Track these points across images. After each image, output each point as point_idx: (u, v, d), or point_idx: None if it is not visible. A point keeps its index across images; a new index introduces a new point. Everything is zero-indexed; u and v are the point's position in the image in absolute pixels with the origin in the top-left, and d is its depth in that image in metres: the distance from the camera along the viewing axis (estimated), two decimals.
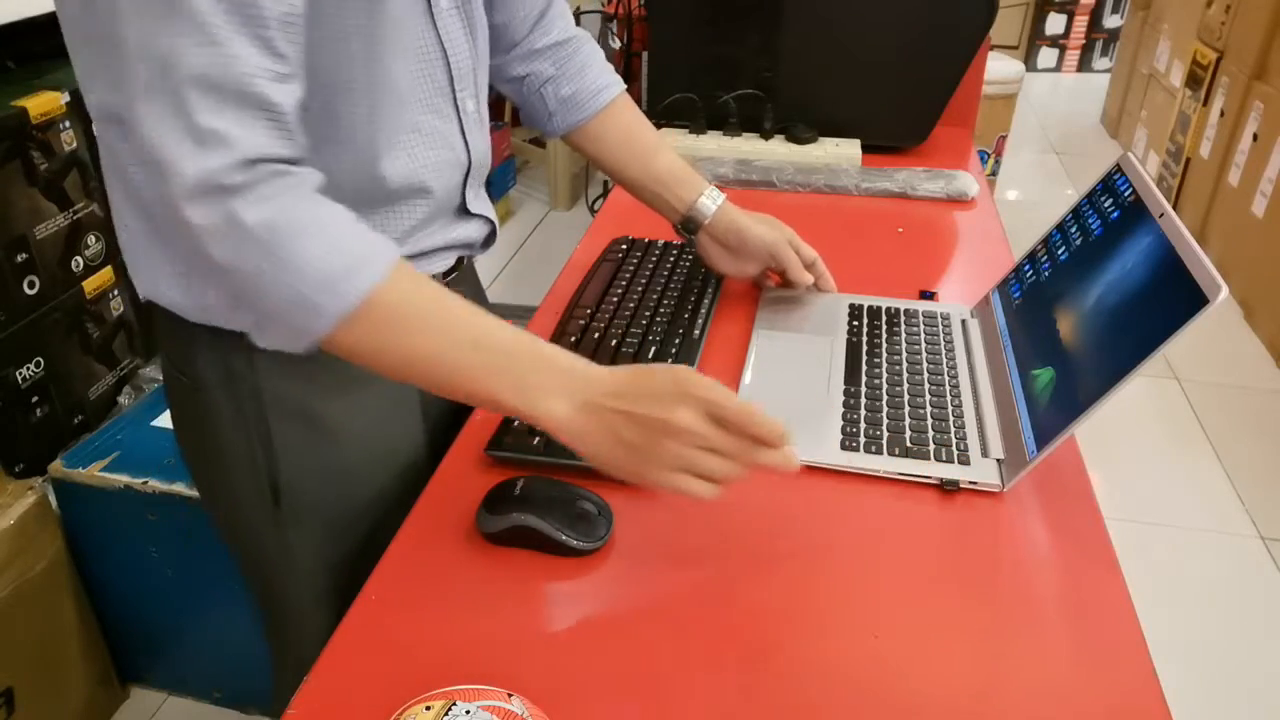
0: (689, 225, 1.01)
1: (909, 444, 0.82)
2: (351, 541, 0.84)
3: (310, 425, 0.79)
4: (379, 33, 0.67)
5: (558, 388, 0.65)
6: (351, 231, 0.63)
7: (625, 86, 1.00)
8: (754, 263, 1.03)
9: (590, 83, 0.96)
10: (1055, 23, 5.08)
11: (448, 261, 0.85)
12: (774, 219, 1.02)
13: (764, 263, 1.02)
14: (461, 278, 0.90)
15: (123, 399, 1.69)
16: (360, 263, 0.61)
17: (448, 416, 0.90)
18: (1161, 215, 0.77)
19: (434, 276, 0.82)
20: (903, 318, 1.01)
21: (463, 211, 0.83)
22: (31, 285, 1.50)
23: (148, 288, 0.74)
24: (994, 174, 3.10)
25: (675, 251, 1.14)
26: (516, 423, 0.83)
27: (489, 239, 0.89)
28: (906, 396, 0.88)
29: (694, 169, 1.02)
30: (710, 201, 0.99)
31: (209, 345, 0.75)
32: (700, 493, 0.65)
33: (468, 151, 0.80)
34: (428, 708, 0.54)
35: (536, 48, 0.95)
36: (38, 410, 1.53)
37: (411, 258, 0.79)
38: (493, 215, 0.88)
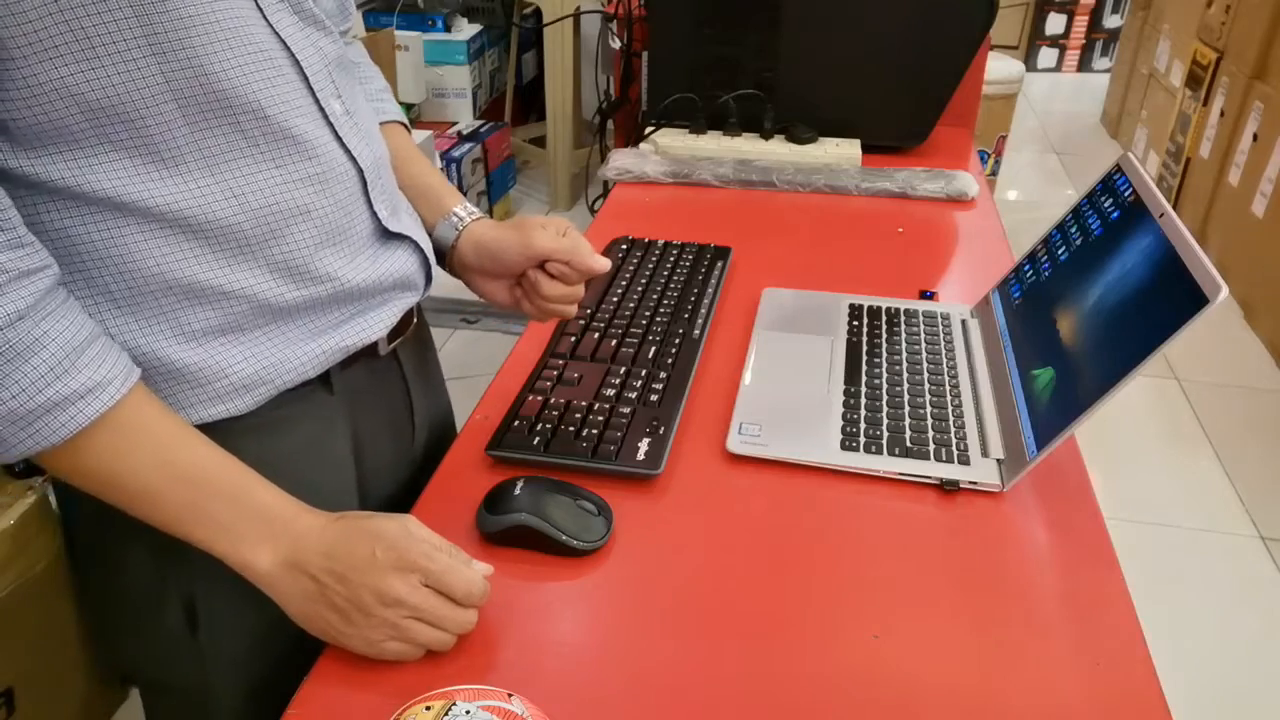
0: (438, 250, 0.85)
1: (909, 444, 0.82)
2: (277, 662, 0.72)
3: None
4: (201, 45, 0.58)
5: (259, 536, 0.61)
6: (67, 359, 0.56)
7: (405, 121, 0.89)
8: (509, 276, 0.86)
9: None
10: (1055, 23, 5.08)
11: (392, 317, 0.75)
12: (519, 220, 0.86)
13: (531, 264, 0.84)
14: (411, 345, 0.80)
15: None
16: (65, 401, 0.56)
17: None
18: (1161, 215, 0.77)
19: (379, 341, 0.74)
20: (903, 318, 1.01)
21: (382, 234, 0.74)
22: None
23: None
24: (994, 174, 3.10)
25: (675, 251, 1.14)
26: (517, 422, 0.83)
27: (428, 275, 0.79)
28: (906, 396, 0.88)
29: (450, 189, 0.88)
30: (451, 228, 0.85)
31: None
32: (409, 657, 0.63)
33: (352, 159, 0.70)
34: (428, 708, 0.54)
35: None
36: None
37: (349, 316, 0.71)
38: (421, 239, 0.78)
